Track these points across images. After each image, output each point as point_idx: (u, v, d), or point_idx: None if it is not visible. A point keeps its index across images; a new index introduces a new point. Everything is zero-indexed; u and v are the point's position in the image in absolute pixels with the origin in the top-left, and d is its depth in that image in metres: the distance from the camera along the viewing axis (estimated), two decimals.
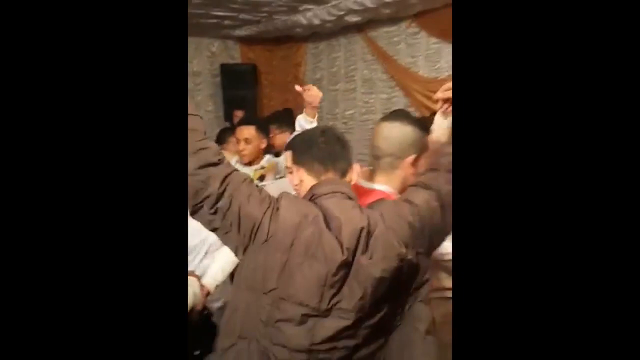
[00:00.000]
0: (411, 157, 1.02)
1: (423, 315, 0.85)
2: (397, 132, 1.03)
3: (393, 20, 3.61)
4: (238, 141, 1.95)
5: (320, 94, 1.59)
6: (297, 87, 1.72)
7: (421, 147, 1.04)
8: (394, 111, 1.22)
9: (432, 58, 3.41)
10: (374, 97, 3.93)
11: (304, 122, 1.87)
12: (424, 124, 1.09)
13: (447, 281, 1.58)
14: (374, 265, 0.78)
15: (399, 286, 0.82)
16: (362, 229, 0.79)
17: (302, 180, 0.91)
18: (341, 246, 0.78)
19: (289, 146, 0.98)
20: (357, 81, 4.07)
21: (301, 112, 1.68)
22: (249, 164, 1.97)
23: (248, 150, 1.93)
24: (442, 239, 0.88)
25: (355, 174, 0.94)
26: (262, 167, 1.96)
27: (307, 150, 0.92)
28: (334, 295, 0.78)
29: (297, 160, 0.93)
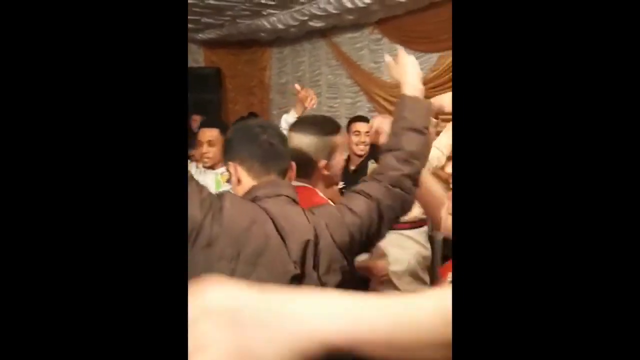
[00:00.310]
0: (323, 162, 1.07)
1: None
2: (304, 143, 1.07)
3: (356, 26, 3.68)
4: (201, 144, 1.92)
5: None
6: (297, 86, 1.86)
7: (330, 151, 1.08)
8: (299, 120, 1.26)
9: None
10: (339, 102, 3.98)
11: (292, 120, 1.86)
12: (329, 127, 1.12)
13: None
14: (322, 279, 0.77)
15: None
16: (308, 241, 0.77)
17: (240, 180, 0.86)
18: (290, 258, 0.76)
19: (226, 141, 0.92)
20: (322, 86, 4.11)
21: (261, 116, 1.71)
22: (212, 167, 1.94)
23: (212, 152, 1.90)
24: (370, 248, 0.91)
25: (294, 172, 0.92)
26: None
27: (246, 147, 0.85)
28: None
29: (234, 157, 0.87)
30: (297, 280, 0.77)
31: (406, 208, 0.88)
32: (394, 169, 0.85)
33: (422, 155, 0.88)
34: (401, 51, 0.98)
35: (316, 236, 0.78)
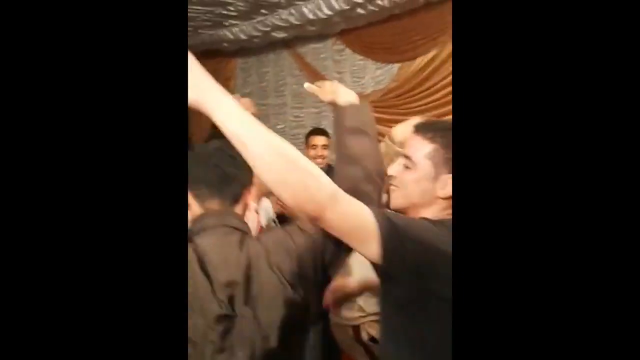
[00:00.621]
0: (253, 187, 1.07)
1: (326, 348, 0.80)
2: None
3: (320, 37, 3.71)
4: None
5: (251, 107, 1.53)
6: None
7: (244, 183, 1.03)
8: None
9: (357, 74, 3.55)
10: (304, 112, 3.99)
11: None
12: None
13: (352, 312, 1.58)
14: (259, 318, 0.70)
15: (292, 329, 0.74)
16: (241, 273, 0.70)
17: (190, 204, 0.82)
18: (217, 297, 0.70)
19: None
20: (287, 96, 4.12)
21: None
22: None
23: None
24: (334, 272, 0.81)
25: (252, 197, 0.86)
26: None
27: (195, 170, 0.80)
28: (217, 352, 0.69)
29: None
30: (225, 320, 0.70)
31: None
32: (347, 177, 0.79)
33: (371, 156, 0.82)
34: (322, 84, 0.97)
35: (249, 267, 0.72)
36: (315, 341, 1.79)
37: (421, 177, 0.82)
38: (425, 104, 3.15)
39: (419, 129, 0.86)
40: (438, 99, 3.08)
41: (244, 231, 0.79)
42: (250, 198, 0.87)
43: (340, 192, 0.68)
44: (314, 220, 0.67)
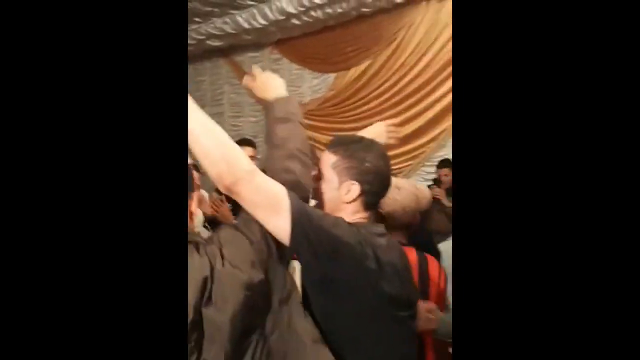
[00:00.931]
0: (195, 193, 1.09)
1: (305, 327, 0.79)
2: None
3: (256, 45, 3.72)
4: None
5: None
6: None
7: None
8: None
9: (295, 83, 3.60)
10: (242, 120, 3.97)
11: None
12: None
13: None
14: (221, 312, 0.71)
15: (258, 309, 0.75)
16: (205, 278, 0.71)
17: None
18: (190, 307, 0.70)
19: None
20: (224, 105, 4.07)
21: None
22: None
23: None
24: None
25: (195, 204, 0.85)
26: None
27: None
28: None
29: None
30: (198, 325, 0.70)
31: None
32: (274, 159, 0.83)
33: (296, 139, 0.87)
34: (257, 72, 0.99)
35: (211, 269, 0.72)
36: None
37: (329, 187, 0.91)
38: (360, 113, 3.26)
39: (329, 145, 0.95)
40: (372, 108, 3.21)
41: (196, 241, 0.78)
42: (193, 205, 0.86)
43: (259, 172, 0.75)
44: (230, 190, 0.74)
